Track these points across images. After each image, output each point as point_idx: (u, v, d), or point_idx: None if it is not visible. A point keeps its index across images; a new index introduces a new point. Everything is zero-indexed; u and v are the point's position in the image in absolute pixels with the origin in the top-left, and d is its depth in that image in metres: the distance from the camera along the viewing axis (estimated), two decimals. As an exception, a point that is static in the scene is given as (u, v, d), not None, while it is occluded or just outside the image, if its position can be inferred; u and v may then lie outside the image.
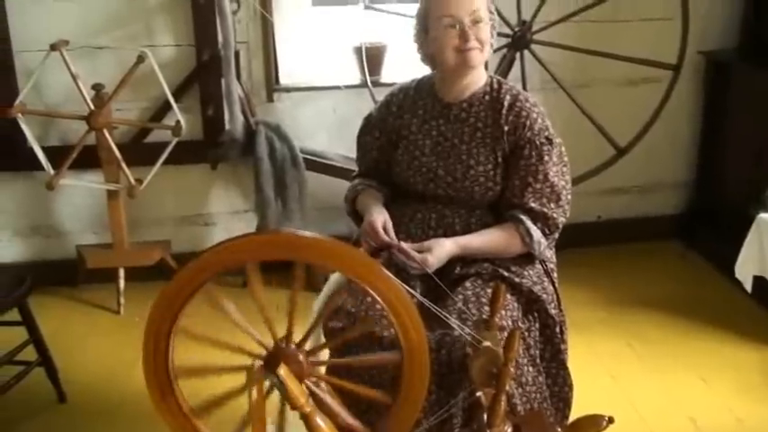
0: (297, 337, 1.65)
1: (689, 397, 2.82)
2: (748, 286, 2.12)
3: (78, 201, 3.63)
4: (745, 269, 2.11)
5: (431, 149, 2.24)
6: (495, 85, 2.24)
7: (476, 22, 2.10)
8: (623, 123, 3.46)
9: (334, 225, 3.56)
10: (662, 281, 3.66)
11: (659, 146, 3.82)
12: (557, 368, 2.16)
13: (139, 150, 3.49)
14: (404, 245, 2.11)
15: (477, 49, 2.13)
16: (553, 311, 2.15)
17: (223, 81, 3.36)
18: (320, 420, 1.61)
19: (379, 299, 1.61)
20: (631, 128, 3.39)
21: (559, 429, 1.78)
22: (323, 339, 2.10)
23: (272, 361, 1.62)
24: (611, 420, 1.73)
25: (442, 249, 2.10)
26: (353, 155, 2.50)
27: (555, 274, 2.31)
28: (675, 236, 3.99)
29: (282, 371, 1.59)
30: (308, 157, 3.52)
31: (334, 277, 2.10)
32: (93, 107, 3.24)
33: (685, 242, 3.95)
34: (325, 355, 2.03)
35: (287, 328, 1.62)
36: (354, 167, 2.54)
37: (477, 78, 2.21)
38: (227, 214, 3.79)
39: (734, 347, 3.10)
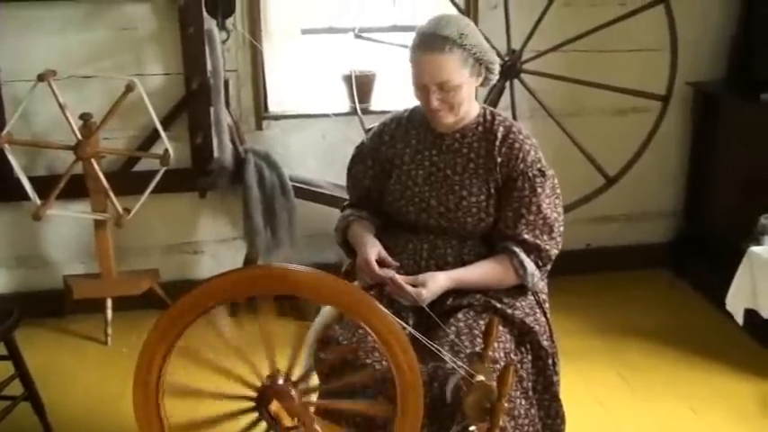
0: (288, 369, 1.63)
1: (679, 427, 2.81)
2: (740, 319, 2.12)
3: (65, 230, 3.60)
4: (737, 302, 2.11)
5: (423, 180, 2.24)
6: (489, 117, 2.25)
7: (446, 90, 2.10)
8: (613, 152, 3.47)
9: (324, 253, 3.56)
10: (651, 310, 3.66)
11: (648, 174, 3.83)
12: (549, 400, 2.15)
13: (127, 179, 3.46)
14: (398, 277, 2.10)
15: (447, 110, 2.14)
16: (545, 343, 2.14)
17: (212, 109, 3.35)
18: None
19: (372, 333, 1.59)
20: (621, 156, 3.40)
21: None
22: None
23: (263, 397, 1.60)
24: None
25: (437, 284, 2.09)
26: (343, 182, 2.49)
27: (547, 305, 2.30)
28: (664, 264, 4.00)
29: (274, 407, 1.58)
30: (298, 184, 3.50)
31: (327, 308, 2.09)
32: (80, 137, 3.22)
33: (674, 271, 3.96)
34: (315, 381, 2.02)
35: (268, 364, 1.61)
36: (344, 195, 2.54)
37: (467, 112, 2.21)
38: (215, 242, 3.77)
39: (724, 378, 3.09)
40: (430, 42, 2.08)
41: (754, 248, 2.09)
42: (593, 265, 3.96)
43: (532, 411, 2.07)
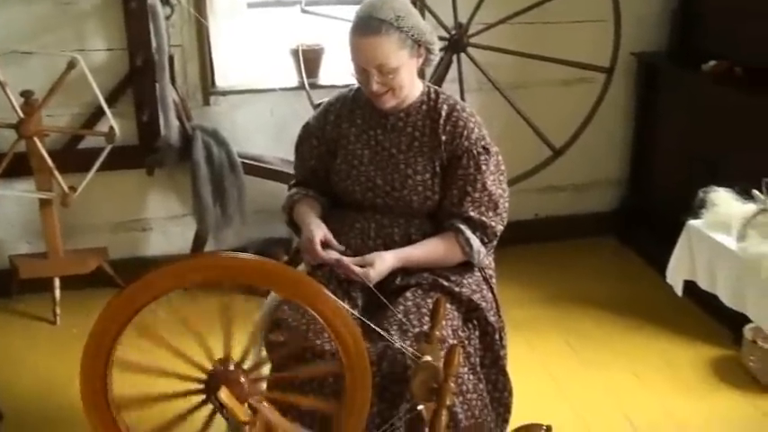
0: (237, 355, 1.64)
1: (624, 394, 2.88)
2: (679, 291, 2.17)
3: (10, 210, 3.53)
4: (676, 274, 2.16)
5: (369, 159, 2.25)
6: (433, 95, 2.26)
7: (385, 73, 2.11)
8: (559, 123, 3.51)
9: (276, 228, 3.56)
10: (599, 277, 3.73)
11: (595, 144, 3.88)
12: (496, 374, 2.19)
13: (72, 157, 3.41)
14: (345, 259, 2.12)
15: (387, 93, 2.15)
16: (492, 319, 2.18)
17: (157, 86, 3.30)
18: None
19: (318, 317, 1.61)
20: (568, 126, 3.45)
21: (499, 440, 1.81)
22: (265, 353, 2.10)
23: (212, 384, 1.61)
24: (548, 429, 1.77)
25: (384, 263, 2.11)
26: (292, 158, 2.48)
27: (494, 281, 2.34)
28: (611, 233, 4.08)
29: (223, 394, 1.59)
30: (247, 161, 3.48)
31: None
32: (22, 115, 3.16)
33: (620, 239, 4.04)
34: (266, 370, 2.03)
35: (224, 350, 1.62)
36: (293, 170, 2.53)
37: (410, 92, 2.22)
38: (164, 219, 3.74)
39: (667, 344, 3.18)
40: (366, 25, 2.08)
41: (693, 222, 2.14)
42: (542, 235, 4.02)
43: (480, 386, 2.10)
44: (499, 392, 2.20)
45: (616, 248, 4.01)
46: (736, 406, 2.81)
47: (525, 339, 3.18)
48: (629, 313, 3.40)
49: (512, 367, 2.25)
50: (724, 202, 2.09)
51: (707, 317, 3.20)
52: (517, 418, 2.21)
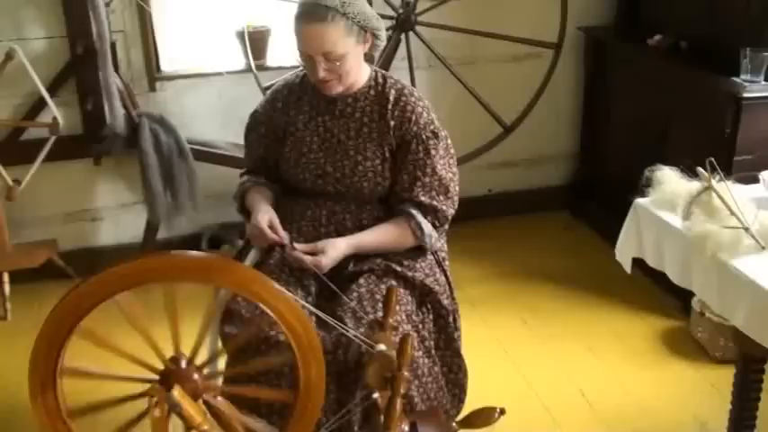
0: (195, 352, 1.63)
1: (578, 368, 2.93)
2: (628, 268, 2.20)
3: (-47, 204, 3.45)
4: (625, 252, 2.19)
5: (318, 146, 2.24)
6: (380, 80, 2.25)
7: (331, 60, 2.09)
8: (510, 98, 3.53)
9: (230, 213, 3.51)
10: (552, 252, 3.78)
11: (546, 119, 3.91)
12: (451, 356, 2.21)
13: (15, 149, 3.33)
14: (297, 246, 2.11)
15: (334, 80, 2.13)
16: (446, 302, 2.19)
17: (100, 74, 3.23)
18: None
19: (266, 309, 1.60)
20: (519, 102, 3.47)
21: (454, 425, 1.82)
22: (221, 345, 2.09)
23: (165, 382, 1.60)
24: (502, 412, 1.79)
25: (336, 250, 2.11)
26: (242, 142, 2.46)
27: (447, 263, 2.35)
28: (564, 207, 4.12)
29: (176, 392, 1.57)
30: (196, 146, 3.44)
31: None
32: (-39, 107, 3.08)
33: (572, 213, 4.09)
34: (222, 363, 2.02)
35: (174, 348, 1.60)
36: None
37: (357, 78, 2.21)
38: (115, 208, 3.68)
39: (619, 316, 3.24)
40: (312, 12, 2.06)
41: (640, 200, 2.16)
42: (495, 210, 4.05)
43: (435, 369, 2.12)
44: (454, 374, 2.22)
45: (568, 222, 4.06)
46: (685, 376, 2.87)
47: (480, 316, 3.22)
48: (581, 287, 3.45)
49: (467, 345, 2.28)
50: (670, 181, 2.11)
51: (657, 288, 3.25)
52: (473, 396, 2.24)
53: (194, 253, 1.55)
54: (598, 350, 3.03)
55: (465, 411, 2.07)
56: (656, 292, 3.26)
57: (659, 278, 2.13)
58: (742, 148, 2.91)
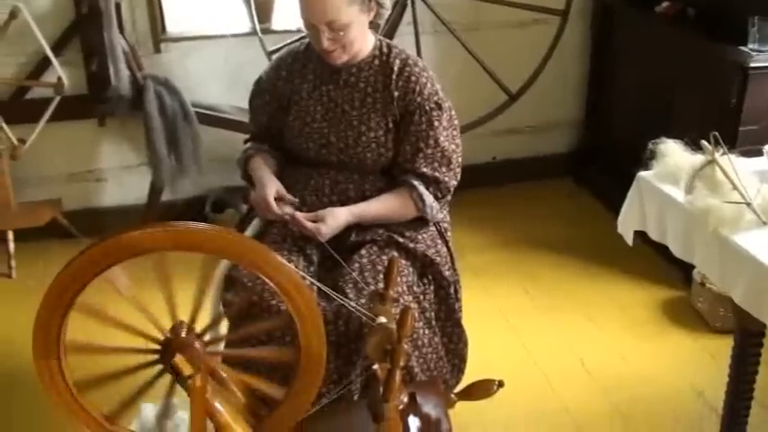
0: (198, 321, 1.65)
1: (578, 338, 2.94)
2: (629, 241, 2.19)
3: (-42, 163, 3.46)
4: (627, 225, 2.18)
5: (322, 115, 2.23)
6: (385, 50, 2.23)
7: (335, 29, 2.07)
8: (515, 65, 3.49)
9: (234, 177, 3.51)
10: (555, 220, 3.77)
11: (552, 86, 3.88)
12: (451, 327, 2.23)
13: (20, 108, 3.33)
14: (298, 214, 2.12)
15: (339, 49, 2.11)
16: (447, 273, 2.20)
17: (105, 35, 3.21)
18: (219, 405, 1.64)
19: (267, 280, 1.61)
20: (524, 69, 3.43)
21: (453, 396, 1.84)
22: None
23: (167, 350, 1.62)
24: (500, 384, 1.80)
25: (336, 219, 2.12)
26: (247, 106, 2.45)
27: (449, 234, 2.35)
28: (568, 174, 4.11)
29: (178, 361, 1.60)
30: (201, 110, 3.43)
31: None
32: (-36, 66, 3.07)
33: (577, 180, 4.08)
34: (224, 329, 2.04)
35: (171, 317, 1.62)
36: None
37: (361, 48, 2.19)
38: (118, 169, 3.69)
39: (620, 286, 3.24)
40: None
41: (643, 173, 2.15)
42: (499, 178, 4.04)
43: (436, 339, 2.14)
44: (454, 344, 2.24)
45: (571, 189, 4.05)
46: (685, 347, 2.88)
47: (482, 285, 3.23)
48: (583, 256, 3.45)
49: (468, 314, 2.29)
50: (673, 154, 2.09)
51: (658, 258, 3.25)
52: (474, 365, 2.26)
53: (196, 225, 1.55)
54: (599, 320, 3.04)
55: (466, 380, 2.10)
56: (659, 263, 3.26)
57: (661, 248, 2.13)
58: (747, 118, 2.89)
